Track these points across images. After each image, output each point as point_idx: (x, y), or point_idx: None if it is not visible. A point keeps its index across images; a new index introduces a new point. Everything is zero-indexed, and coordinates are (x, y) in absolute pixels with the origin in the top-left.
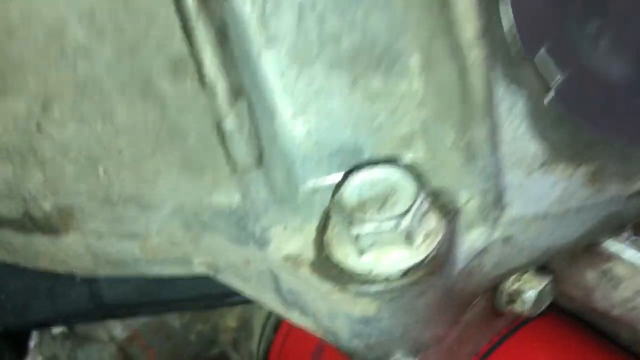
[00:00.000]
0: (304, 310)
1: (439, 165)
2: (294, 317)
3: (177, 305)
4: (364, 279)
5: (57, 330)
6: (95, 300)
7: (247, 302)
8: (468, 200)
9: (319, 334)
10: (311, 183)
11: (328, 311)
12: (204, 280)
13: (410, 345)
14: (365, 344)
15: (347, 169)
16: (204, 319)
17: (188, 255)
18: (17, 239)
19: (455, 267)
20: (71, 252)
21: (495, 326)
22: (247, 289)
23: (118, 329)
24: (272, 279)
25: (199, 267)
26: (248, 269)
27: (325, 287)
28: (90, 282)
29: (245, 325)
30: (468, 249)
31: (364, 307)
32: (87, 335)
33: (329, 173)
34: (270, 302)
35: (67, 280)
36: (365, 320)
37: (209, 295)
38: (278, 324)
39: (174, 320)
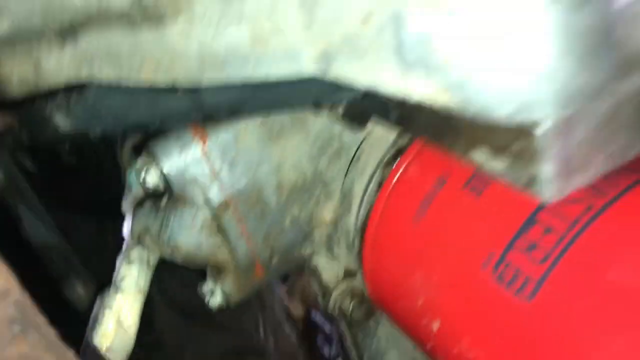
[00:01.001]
0: (429, 68)
1: None
2: (418, 84)
3: (281, 107)
4: None
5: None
6: (196, 103)
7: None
8: None
9: (445, 98)
10: None
11: None
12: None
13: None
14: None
15: None
16: (301, 203)
17: (299, 45)
18: (124, 41)
19: None
20: (177, 51)
21: None
22: (362, 72)
23: (214, 189)
24: (394, 31)
25: (308, 63)
26: (364, 31)
27: None
28: (193, 91)
29: (339, 221)
30: None
31: None
32: (181, 196)
33: None
34: (388, 74)
35: (168, 92)
36: None
37: (313, 95)
38: (394, 159)
39: (271, 196)
